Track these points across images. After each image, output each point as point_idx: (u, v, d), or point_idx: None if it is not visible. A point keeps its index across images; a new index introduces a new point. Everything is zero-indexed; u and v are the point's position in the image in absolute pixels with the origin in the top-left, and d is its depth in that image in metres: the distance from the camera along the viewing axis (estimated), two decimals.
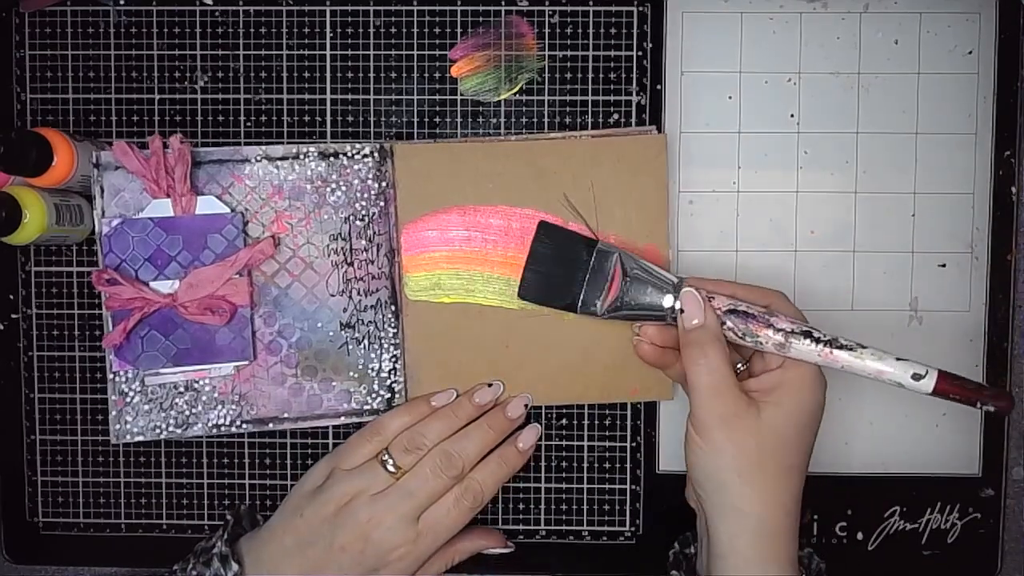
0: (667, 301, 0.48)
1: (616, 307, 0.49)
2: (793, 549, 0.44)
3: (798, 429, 0.44)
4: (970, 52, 0.53)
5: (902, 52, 0.53)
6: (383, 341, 0.53)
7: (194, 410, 0.52)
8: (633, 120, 0.54)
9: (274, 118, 0.54)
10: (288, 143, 0.54)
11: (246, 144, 0.54)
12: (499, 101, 0.54)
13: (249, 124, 0.54)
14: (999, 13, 0.53)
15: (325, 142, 0.53)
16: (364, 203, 0.53)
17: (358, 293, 0.53)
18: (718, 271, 0.54)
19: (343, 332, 0.53)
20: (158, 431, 0.52)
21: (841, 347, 0.44)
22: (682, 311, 0.46)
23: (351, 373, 0.53)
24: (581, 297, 0.49)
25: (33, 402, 0.55)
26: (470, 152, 0.53)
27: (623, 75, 0.54)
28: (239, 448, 0.55)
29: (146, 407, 0.52)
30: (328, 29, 0.54)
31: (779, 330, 0.45)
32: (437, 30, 0.54)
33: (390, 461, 0.49)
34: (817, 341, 0.44)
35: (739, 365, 0.48)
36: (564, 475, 0.55)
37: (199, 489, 0.56)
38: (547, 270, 0.50)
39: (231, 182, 0.52)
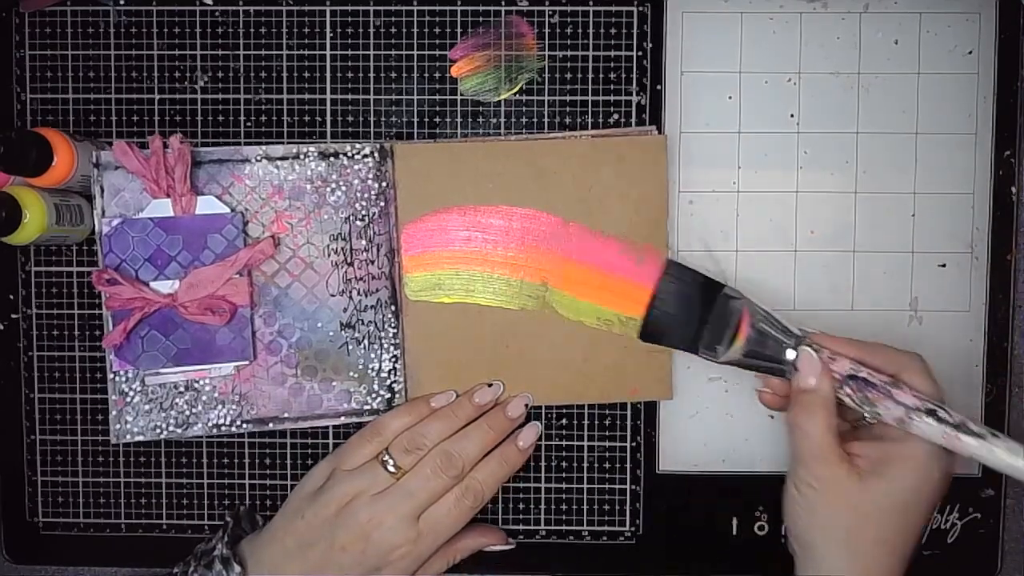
0: (789, 355, 0.46)
1: (738, 356, 0.48)
2: None
3: (903, 507, 0.42)
4: (970, 52, 0.53)
5: (902, 52, 0.53)
6: (383, 341, 0.53)
7: (194, 410, 0.52)
8: (633, 120, 0.54)
9: (274, 118, 0.54)
10: (288, 143, 0.54)
11: (246, 144, 0.54)
12: (499, 101, 0.54)
13: (249, 124, 0.54)
14: (999, 13, 0.53)
15: (325, 142, 0.53)
16: (364, 203, 0.53)
17: (358, 293, 0.53)
18: (718, 271, 0.54)
19: (343, 332, 0.53)
20: (158, 431, 0.52)
21: (969, 433, 0.42)
22: (796, 370, 0.45)
23: (351, 373, 0.53)
24: (703, 341, 0.49)
25: (33, 402, 0.55)
26: (470, 152, 0.53)
27: (623, 75, 0.54)
28: (239, 448, 0.55)
29: (146, 407, 0.52)
30: (328, 29, 0.54)
31: (900, 404, 0.43)
32: (437, 30, 0.54)
33: (390, 461, 0.49)
34: (942, 421, 0.42)
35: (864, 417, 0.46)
36: (564, 475, 0.55)
37: (199, 489, 0.56)
38: (672, 310, 0.50)
39: (231, 182, 0.52)
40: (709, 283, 0.50)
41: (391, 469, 0.49)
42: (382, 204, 0.53)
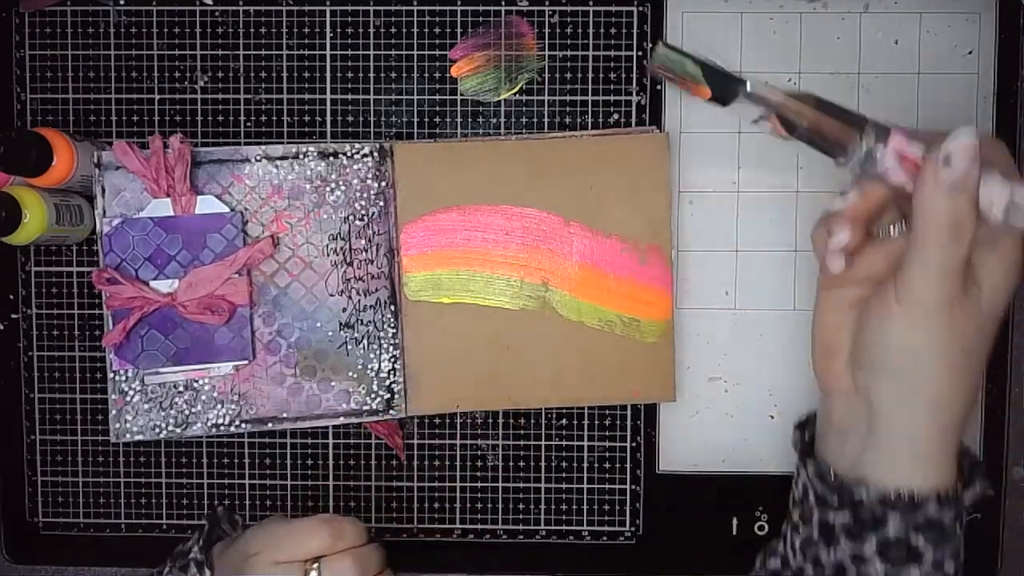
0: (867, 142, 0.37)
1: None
2: (957, 444, 0.41)
3: (1005, 306, 0.39)
4: (970, 52, 0.53)
5: (902, 52, 0.53)
6: (382, 341, 0.53)
7: (193, 409, 0.52)
8: (633, 120, 0.54)
9: (274, 118, 0.54)
10: (288, 143, 0.54)
11: (246, 144, 0.54)
12: (499, 101, 0.54)
13: (249, 124, 0.54)
14: (999, 13, 0.53)
15: (325, 142, 0.53)
16: (363, 203, 0.53)
17: (357, 293, 0.53)
18: (718, 271, 0.54)
19: (342, 332, 0.53)
20: (158, 430, 0.52)
21: None
22: (947, 160, 0.36)
23: (350, 373, 0.53)
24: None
25: (33, 402, 0.55)
26: (470, 152, 0.53)
27: (623, 75, 0.54)
28: (239, 448, 0.55)
29: (146, 406, 0.52)
30: (328, 29, 0.54)
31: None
32: (437, 30, 0.54)
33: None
34: None
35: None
36: (564, 475, 0.55)
37: (199, 489, 0.56)
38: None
39: (231, 182, 0.52)
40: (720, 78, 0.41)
41: None
42: (381, 204, 0.53)
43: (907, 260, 0.38)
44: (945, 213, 0.36)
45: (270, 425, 0.53)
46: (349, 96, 0.54)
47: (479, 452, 0.55)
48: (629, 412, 0.55)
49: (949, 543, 0.40)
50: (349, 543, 0.46)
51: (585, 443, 0.55)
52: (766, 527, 0.55)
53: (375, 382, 0.53)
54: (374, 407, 0.53)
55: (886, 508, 0.40)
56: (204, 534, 0.49)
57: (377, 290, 0.53)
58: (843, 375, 0.42)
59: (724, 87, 0.40)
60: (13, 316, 0.55)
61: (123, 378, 0.52)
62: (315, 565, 0.45)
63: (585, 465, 0.55)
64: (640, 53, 0.54)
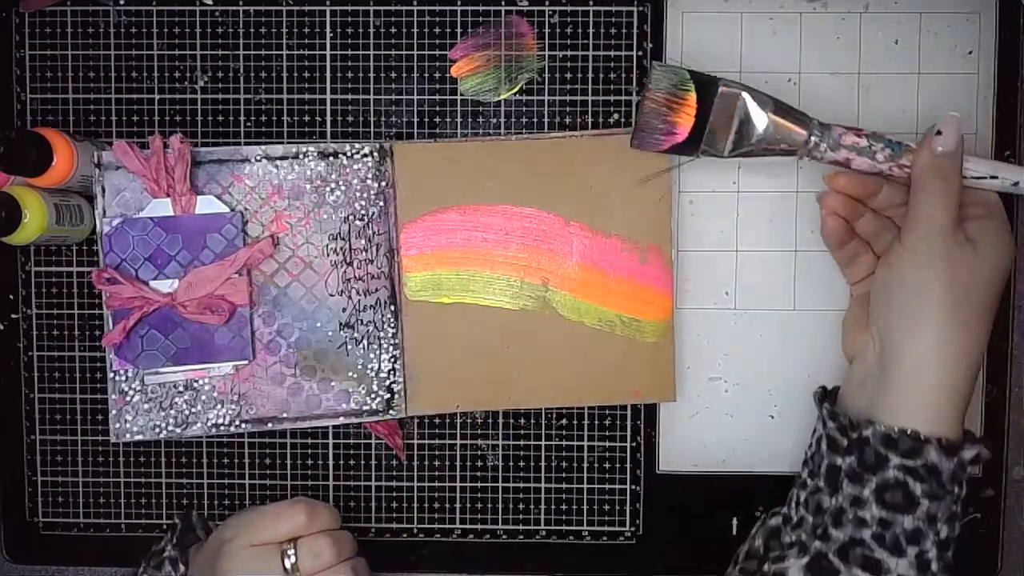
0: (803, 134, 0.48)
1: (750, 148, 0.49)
2: (963, 400, 0.45)
3: (1001, 275, 0.45)
4: (970, 52, 0.53)
5: (902, 52, 0.53)
6: (382, 341, 0.53)
7: (193, 409, 0.52)
8: (633, 120, 0.54)
9: (274, 118, 0.54)
10: (288, 143, 0.54)
11: (246, 144, 0.54)
12: (499, 101, 0.54)
13: (249, 124, 0.54)
14: (999, 13, 0.53)
15: (325, 142, 0.53)
16: (363, 203, 0.53)
17: (357, 293, 0.53)
18: (718, 271, 0.54)
19: (342, 332, 0.53)
20: (158, 430, 0.52)
21: None
22: (939, 133, 0.46)
23: (350, 373, 0.53)
24: (705, 141, 0.49)
25: (33, 402, 0.55)
26: (470, 152, 0.53)
27: (623, 75, 0.54)
28: (239, 448, 0.55)
29: (146, 406, 0.52)
30: (328, 29, 0.54)
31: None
32: (437, 30, 0.54)
33: (292, 557, 0.46)
34: None
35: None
36: (564, 475, 0.55)
37: (199, 489, 0.56)
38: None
39: (231, 182, 0.52)
40: (703, 79, 0.49)
41: (287, 567, 0.46)
42: (381, 204, 0.53)
43: (909, 211, 0.46)
44: (937, 168, 0.45)
45: (270, 425, 0.53)
46: (349, 96, 0.54)
47: (479, 452, 0.55)
48: (629, 412, 0.55)
49: (944, 500, 0.43)
50: (325, 525, 0.47)
51: (585, 443, 0.55)
52: None
53: (375, 382, 0.53)
54: (374, 407, 0.53)
55: (888, 449, 0.43)
56: (177, 532, 0.50)
57: (377, 290, 0.53)
58: (864, 338, 0.48)
59: (705, 87, 0.49)
60: (13, 316, 0.55)
61: (123, 378, 0.52)
62: (291, 545, 0.46)
63: (585, 465, 0.55)
64: (640, 53, 0.54)
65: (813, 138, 0.48)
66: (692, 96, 0.49)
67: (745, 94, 0.48)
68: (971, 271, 0.44)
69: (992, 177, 0.47)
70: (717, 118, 0.49)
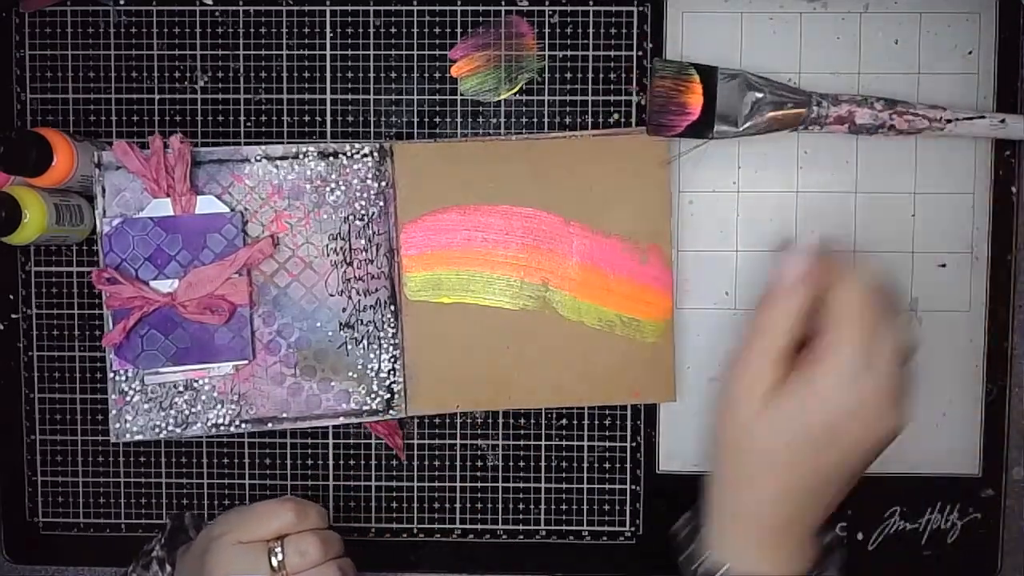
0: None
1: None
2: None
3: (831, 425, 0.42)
4: (970, 52, 0.53)
5: (902, 52, 0.53)
6: (382, 341, 0.53)
7: (193, 409, 0.52)
8: (633, 120, 0.54)
9: (274, 118, 0.54)
10: (288, 143, 0.54)
11: (246, 144, 0.54)
12: (499, 101, 0.54)
13: (249, 124, 0.54)
14: (999, 13, 0.53)
15: (325, 142, 0.53)
16: (363, 203, 0.53)
17: (357, 293, 0.53)
18: (718, 271, 0.54)
19: (342, 332, 0.53)
20: (157, 430, 0.52)
21: None
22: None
23: (350, 373, 0.53)
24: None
25: (33, 402, 0.55)
26: (470, 152, 0.53)
27: (623, 75, 0.54)
28: (239, 448, 0.55)
29: (146, 406, 0.52)
30: (328, 29, 0.54)
31: None
32: (437, 30, 0.54)
33: (279, 555, 0.46)
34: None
35: None
36: (564, 475, 0.55)
37: (199, 489, 0.56)
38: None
39: (231, 182, 0.52)
40: (702, 67, 0.51)
41: (274, 565, 0.46)
42: (381, 204, 0.53)
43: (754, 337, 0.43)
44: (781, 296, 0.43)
45: (270, 425, 0.53)
46: (349, 96, 0.54)
47: (479, 452, 0.55)
48: (629, 412, 0.55)
49: None
50: (313, 524, 0.47)
51: (585, 443, 0.55)
52: None
53: (375, 382, 0.53)
54: (374, 407, 0.53)
55: None
56: (166, 533, 0.50)
57: (377, 290, 0.53)
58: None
59: (707, 77, 0.52)
60: (13, 316, 0.55)
61: (123, 378, 0.52)
62: (278, 543, 0.46)
63: (585, 465, 0.55)
64: (640, 53, 0.54)
65: (814, 100, 0.51)
66: (696, 78, 0.51)
67: (745, 73, 0.51)
68: (800, 418, 0.42)
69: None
70: (723, 97, 0.51)
